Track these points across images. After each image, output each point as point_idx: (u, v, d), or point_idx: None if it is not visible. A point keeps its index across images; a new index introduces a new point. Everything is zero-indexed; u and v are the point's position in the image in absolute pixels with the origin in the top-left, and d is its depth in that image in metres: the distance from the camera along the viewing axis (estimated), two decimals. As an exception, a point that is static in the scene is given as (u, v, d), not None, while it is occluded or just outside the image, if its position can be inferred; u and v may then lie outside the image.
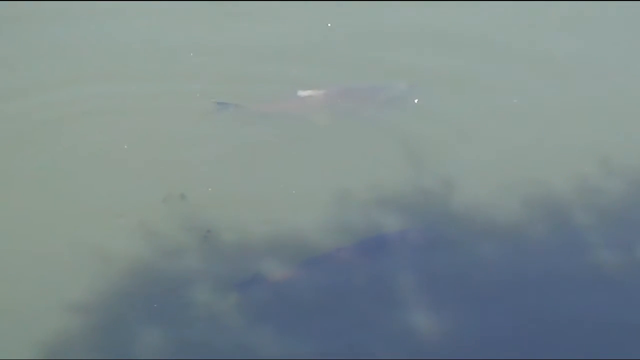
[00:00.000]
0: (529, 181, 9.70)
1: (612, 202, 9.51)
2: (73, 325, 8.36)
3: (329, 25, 11.80)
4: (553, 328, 8.37)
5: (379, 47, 11.55)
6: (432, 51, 11.49)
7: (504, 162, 9.95)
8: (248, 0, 12.23)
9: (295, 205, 9.46)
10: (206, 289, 8.67)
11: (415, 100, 10.72)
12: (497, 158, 10.01)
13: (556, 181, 9.68)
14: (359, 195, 9.56)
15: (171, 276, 8.79)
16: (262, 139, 10.31)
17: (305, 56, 11.36)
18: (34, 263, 8.87)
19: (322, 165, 9.95)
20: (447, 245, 9.05)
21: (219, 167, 9.91)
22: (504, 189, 9.59)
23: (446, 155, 10.05)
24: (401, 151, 10.05)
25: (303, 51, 11.43)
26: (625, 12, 12.01)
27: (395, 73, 11.08)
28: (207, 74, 11.11)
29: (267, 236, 9.13)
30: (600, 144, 10.15)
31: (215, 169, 9.88)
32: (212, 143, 10.24)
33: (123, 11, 12.17)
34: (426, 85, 10.91)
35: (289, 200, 9.55)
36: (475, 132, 10.37)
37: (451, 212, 9.41)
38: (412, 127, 10.41)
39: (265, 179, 9.83)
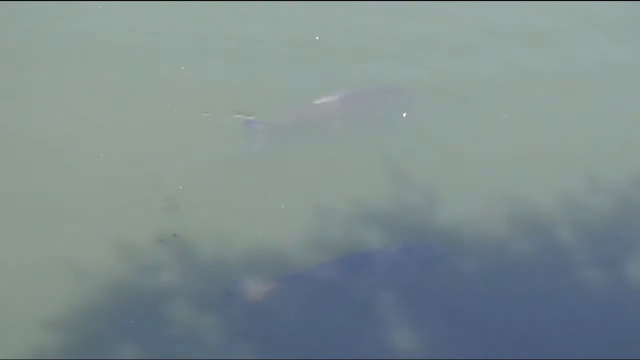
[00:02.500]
0: (513, 197, 9.61)
1: (598, 218, 9.42)
2: (48, 342, 8.25)
3: (317, 38, 11.72)
4: (537, 344, 8.34)
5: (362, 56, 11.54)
6: (417, 61, 11.43)
7: (489, 177, 9.87)
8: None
9: (281, 219, 9.39)
10: (185, 304, 8.59)
11: (404, 114, 10.63)
12: (481, 173, 9.94)
13: (541, 197, 9.60)
14: (344, 211, 9.49)
15: (149, 291, 8.68)
16: (252, 151, 10.24)
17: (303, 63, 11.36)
18: (6, 278, 8.76)
19: (311, 179, 9.88)
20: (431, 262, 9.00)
21: (202, 179, 9.81)
22: (489, 205, 9.52)
23: (431, 171, 9.96)
24: (387, 166, 9.97)
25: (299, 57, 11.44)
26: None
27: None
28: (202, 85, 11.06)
29: (250, 250, 9.04)
30: (586, 159, 10.09)
31: (198, 181, 9.79)
32: (198, 155, 10.14)
33: (119, 10, 12.09)
34: (412, 98, 10.85)
35: (277, 214, 9.46)
36: (461, 146, 10.29)
37: (435, 228, 9.33)
38: (397, 141, 10.35)
39: (253, 192, 9.74)
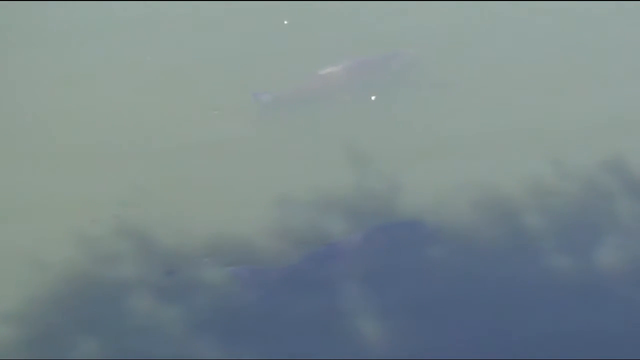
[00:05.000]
0: (479, 183, 9.51)
1: (565, 204, 9.36)
2: (6, 335, 8.18)
3: (285, 22, 11.59)
4: (506, 331, 8.29)
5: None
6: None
7: (457, 164, 9.76)
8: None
9: (246, 207, 9.28)
10: (145, 293, 8.53)
11: (372, 98, 10.54)
12: (449, 159, 9.81)
13: (509, 183, 9.50)
14: (309, 198, 9.39)
15: (108, 281, 8.60)
16: (224, 136, 10.12)
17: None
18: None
19: (278, 166, 9.80)
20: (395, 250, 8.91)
21: (165, 166, 9.75)
22: (454, 192, 9.41)
23: (398, 157, 9.85)
24: (354, 153, 9.90)
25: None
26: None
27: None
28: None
29: (213, 239, 8.95)
30: (552, 146, 9.99)
31: (161, 168, 9.73)
32: (162, 141, 10.07)
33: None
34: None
35: (241, 201, 9.36)
36: (429, 131, 10.20)
37: (403, 215, 9.24)
38: (366, 126, 10.25)
39: (219, 178, 9.67)
